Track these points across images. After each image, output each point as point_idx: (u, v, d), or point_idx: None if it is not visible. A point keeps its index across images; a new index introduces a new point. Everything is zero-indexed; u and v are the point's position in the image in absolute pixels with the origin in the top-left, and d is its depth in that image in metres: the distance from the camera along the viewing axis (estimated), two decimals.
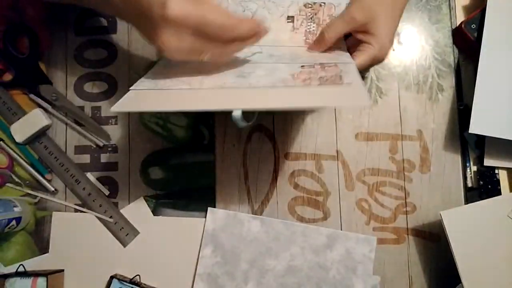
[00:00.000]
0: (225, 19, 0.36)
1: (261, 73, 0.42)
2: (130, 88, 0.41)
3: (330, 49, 0.47)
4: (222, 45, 0.38)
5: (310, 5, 0.51)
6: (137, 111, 0.36)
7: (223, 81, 0.41)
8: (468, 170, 0.53)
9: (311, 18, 0.50)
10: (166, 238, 0.53)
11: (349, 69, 0.41)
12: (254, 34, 0.38)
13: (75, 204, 0.54)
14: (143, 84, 0.42)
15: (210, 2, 0.36)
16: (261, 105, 0.39)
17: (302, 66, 0.43)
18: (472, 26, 0.51)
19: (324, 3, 0.50)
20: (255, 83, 0.40)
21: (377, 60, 0.45)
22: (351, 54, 0.46)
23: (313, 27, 0.50)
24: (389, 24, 0.44)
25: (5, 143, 0.55)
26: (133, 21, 0.39)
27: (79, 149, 0.55)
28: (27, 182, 0.55)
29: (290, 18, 0.51)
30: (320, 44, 0.47)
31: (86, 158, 0.55)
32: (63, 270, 0.53)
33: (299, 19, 0.51)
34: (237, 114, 0.38)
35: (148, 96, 0.41)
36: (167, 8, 0.34)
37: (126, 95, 0.40)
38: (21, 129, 0.53)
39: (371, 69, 0.55)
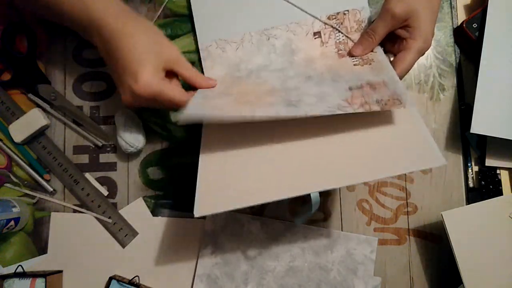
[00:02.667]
0: (176, 96, 0.42)
1: (311, 101, 0.40)
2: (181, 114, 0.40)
3: (368, 59, 0.46)
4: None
5: (334, 16, 0.50)
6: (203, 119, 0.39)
7: (275, 111, 0.38)
8: (470, 171, 0.52)
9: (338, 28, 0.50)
10: (165, 238, 0.53)
11: (397, 87, 0.40)
12: None
13: (74, 205, 0.54)
14: (193, 108, 0.40)
15: (174, 79, 0.46)
16: (338, 183, 0.39)
17: (350, 89, 0.41)
18: (473, 25, 0.51)
19: (348, 10, 0.49)
20: (310, 111, 0.38)
21: (423, 52, 0.45)
22: (393, 53, 0.46)
23: (342, 36, 0.50)
24: (428, 15, 0.44)
25: (3, 143, 0.54)
26: (112, 69, 0.45)
27: (78, 149, 0.55)
28: (26, 182, 0.54)
29: (317, 34, 0.50)
30: (363, 47, 0.47)
31: (84, 158, 0.55)
32: (61, 271, 0.53)
33: (326, 32, 0.50)
34: (315, 197, 0.38)
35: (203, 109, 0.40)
36: (136, 83, 0.41)
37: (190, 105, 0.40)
38: (20, 129, 0.53)
39: None
